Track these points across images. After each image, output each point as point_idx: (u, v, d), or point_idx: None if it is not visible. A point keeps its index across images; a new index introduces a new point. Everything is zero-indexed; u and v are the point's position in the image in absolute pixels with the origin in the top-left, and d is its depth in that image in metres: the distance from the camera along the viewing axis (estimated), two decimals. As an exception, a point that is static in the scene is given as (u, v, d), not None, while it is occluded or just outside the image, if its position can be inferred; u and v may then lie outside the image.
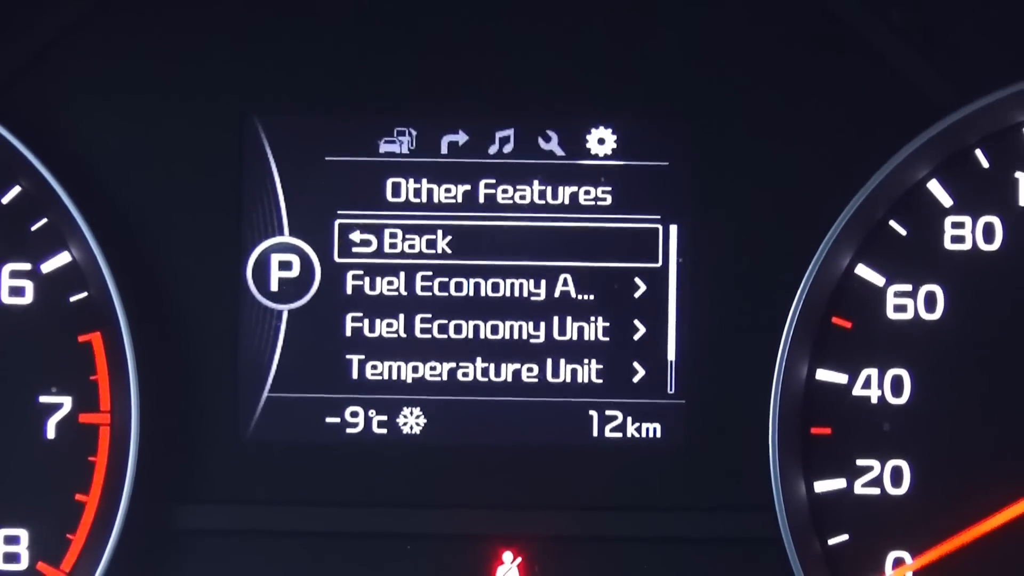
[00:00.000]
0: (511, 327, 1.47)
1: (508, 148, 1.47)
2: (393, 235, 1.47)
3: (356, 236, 1.47)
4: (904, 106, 1.44)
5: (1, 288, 1.45)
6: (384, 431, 1.47)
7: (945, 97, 1.43)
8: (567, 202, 1.47)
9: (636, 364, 1.46)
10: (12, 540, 1.44)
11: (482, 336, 1.47)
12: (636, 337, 1.46)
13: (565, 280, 1.47)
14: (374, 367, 1.47)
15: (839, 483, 1.43)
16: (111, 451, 1.44)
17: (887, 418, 1.43)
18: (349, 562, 1.46)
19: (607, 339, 1.46)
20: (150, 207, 1.46)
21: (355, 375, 1.47)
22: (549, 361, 1.47)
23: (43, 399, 1.44)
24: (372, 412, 1.47)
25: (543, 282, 1.47)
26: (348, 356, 1.47)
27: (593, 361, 1.46)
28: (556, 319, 1.47)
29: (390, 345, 1.47)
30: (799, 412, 1.43)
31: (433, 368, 1.47)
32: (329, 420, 1.47)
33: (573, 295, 1.47)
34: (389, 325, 1.47)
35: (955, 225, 1.44)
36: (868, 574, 1.43)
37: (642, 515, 1.46)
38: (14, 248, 1.45)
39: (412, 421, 1.47)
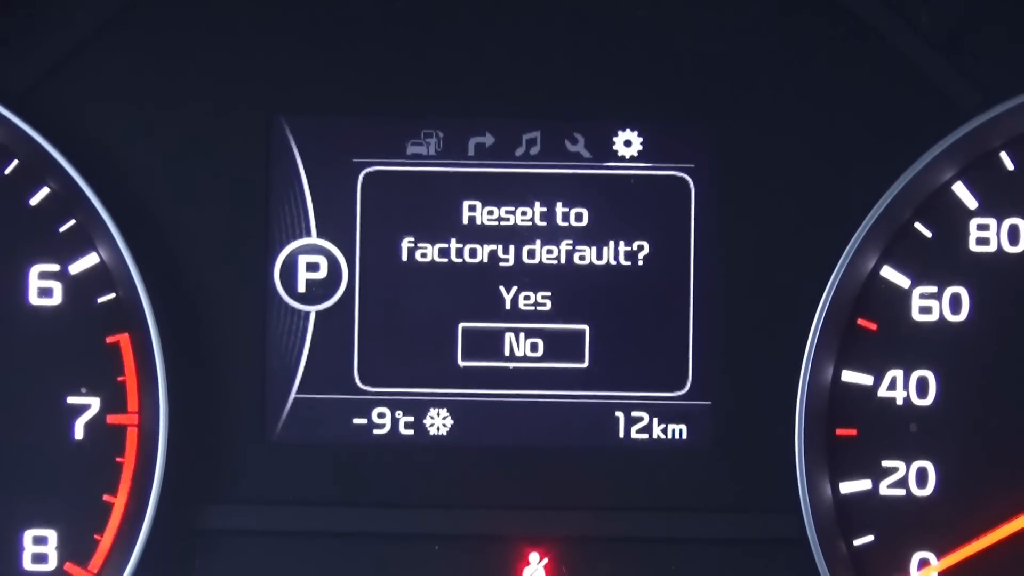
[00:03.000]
0: (537, 329, 1.47)
1: (535, 150, 1.48)
2: (421, 236, 1.47)
3: (383, 237, 1.47)
4: (929, 109, 1.44)
5: (29, 289, 1.45)
6: (411, 432, 1.47)
7: (970, 100, 1.44)
8: (592, 203, 1.47)
9: (662, 366, 1.47)
10: (40, 540, 1.45)
11: (509, 337, 1.47)
12: (662, 339, 1.47)
13: (590, 284, 1.47)
14: (401, 368, 1.47)
15: (864, 484, 1.44)
16: (139, 452, 1.44)
17: (912, 419, 1.44)
18: (376, 563, 1.46)
19: (632, 341, 1.47)
20: (178, 208, 1.47)
21: (382, 376, 1.47)
22: (575, 363, 1.47)
23: (71, 400, 1.45)
24: (399, 413, 1.47)
25: (568, 284, 1.47)
26: (375, 357, 1.47)
27: (619, 363, 1.47)
28: (581, 321, 1.47)
29: (417, 346, 1.47)
30: (824, 413, 1.44)
31: (459, 370, 1.47)
32: (356, 421, 1.47)
33: (598, 298, 1.47)
34: (416, 327, 1.47)
35: (980, 227, 1.44)
36: (893, 575, 1.43)
37: (668, 516, 1.46)
38: (42, 249, 1.45)
39: (439, 422, 1.47)
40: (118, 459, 1.44)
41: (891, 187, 1.43)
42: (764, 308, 1.46)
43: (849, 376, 1.44)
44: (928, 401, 1.44)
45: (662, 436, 1.47)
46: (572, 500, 1.46)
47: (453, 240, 1.47)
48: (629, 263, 1.47)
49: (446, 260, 1.47)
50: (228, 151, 1.47)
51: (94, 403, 1.44)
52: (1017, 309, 1.43)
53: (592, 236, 1.47)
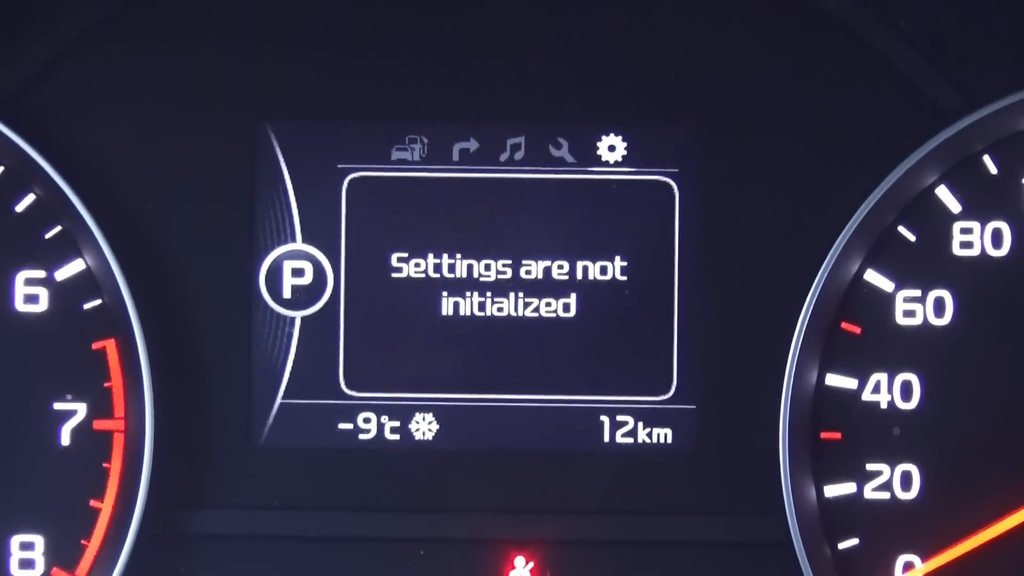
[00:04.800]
0: (521, 334, 1.47)
1: (519, 155, 1.48)
2: (405, 241, 1.47)
3: (368, 242, 1.47)
4: (913, 112, 1.44)
5: (15, 295, 1.45)
6: (396, 437, 1.48)
7: (953, 103, 1.44)
8: (576, 210, 1.47)
9: (647, 370, 1.47)
10: (27, 546, 1.45)
11: (493, 343, 1.47)
12: (646, 343, 1.47)
13: (575, 291, 1.47)
14: (386, 373, 1.47)
15: (849, 487, 1.44)
16: (125, 457, 1.44)
17: (897, 423, 1.44)
18: (362, 567, 1.47)
19: (617, 346, 1.47)
20: (163, 214, 1.47)
21: (368, 381, 1.47)
22: (560, 368, 1.47)
23: (57, 406, 1.45)
24: (384, 418, 1.48)
25: (552, 292, 1.47)
26: (361, 362, 1.47)
27: (604, 367, 1.47)
28: (566, 328, 1.47)
29: (402, 351, 1.47)
30: (809, 417, 1.44)
31: (445, 374, 1.47)
32: (342, 426, 1.47)
33: (582, 305, 1.47)
34: (401, 331, 1.47)
35: (964, 231, 1.44)
36: (878, 578, 1.44)
37: (653, 520, 1.46)
38: (28, 256, 1.46)
39: (424, 427, 1.48)
40: (104, 464, 1.45)
41: (875, 191, 1.43)
42: (748, 312, 1.46)
43: (833, 380, 1.44)
44: (912, 404, 1.44)
45: (647, 440, 1.47)
46: (558, 504, 1.47)
47: (438, 244, 1.48)
48: (614, 268, 1.47)
49: (431, 265, 1.47)
50: (213, 157, 1.47)
51: (80, 409, 1.45)
52: (1000, 313, 1.43)
53: (576, 241, 1.47)
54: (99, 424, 1.45)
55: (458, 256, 1.48)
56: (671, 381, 1.47)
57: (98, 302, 1.46)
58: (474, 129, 1.48)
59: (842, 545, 1.44)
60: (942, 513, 1.43)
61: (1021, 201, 1.44)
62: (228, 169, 1.47)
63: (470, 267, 1.48)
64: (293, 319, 1.48)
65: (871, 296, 1.45)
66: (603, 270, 1.47)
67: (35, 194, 1.46)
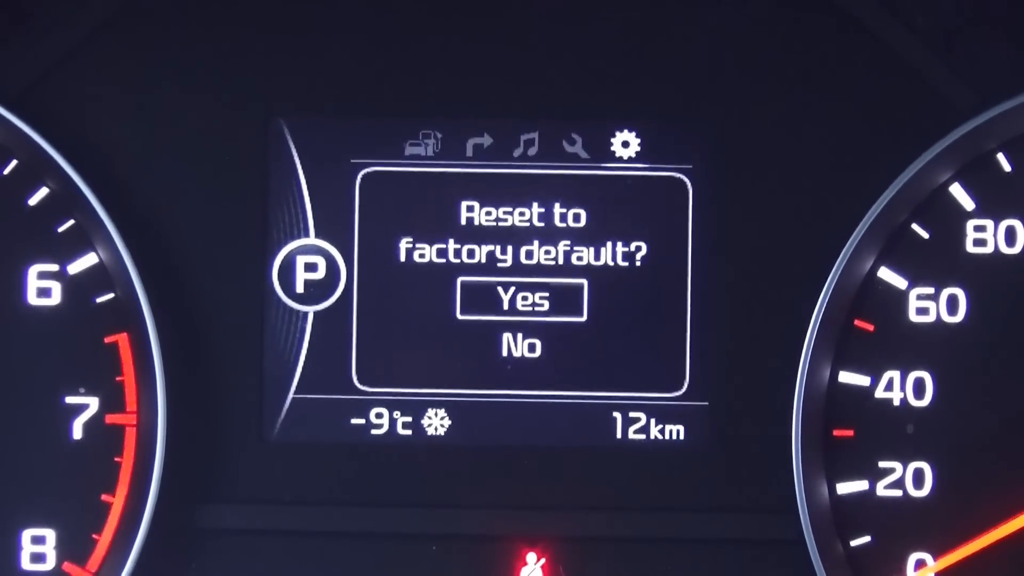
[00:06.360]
0: (535, 328, 1.48)
1: (532, 151, 1.48)
2: (418, 237, 1.47)
3: (381, 238, 1.47)
4: (926, 110, 1.45)
5: (28, 289, 1.45)
6: (409, 432, 1.48)
7: (967, 101, 1.44)
8: (590, 204, 1.47)
9: (660, 366, 1.47)
10: (39, 540, 1.45)
11: (507, 337, 1.47)
12: (659, 339, 1.47)
13: (588, 283, 1.47)
14: (399, 368, 1.47)
15: (861, 485, 1.44)
16: (137, 451, 1.44)
17: (909, 420, 1.44)
18: (373, 562, 1.47)
19: (630, 342, 1.47)
20: (176, 208, 1.47)
21: (380, 376, 1.47)
22: (572, 363, 1.47)
23: (69, 400, 1.45)
24: (397, 413, 1.48)
25: (565, 285, 1.48)
26: (373, 357, 1.47)
27: (616, 363, 1.47)
28: (579, 321, 1.47)
29: (414, 346, 1.47)
30: (822, 414, 1.44)
31: (457, 370, 1.47)
32: (354, 421, 1.47)
33: (596, 298, 1.47)
34: (414, 326, 1.47)
35: (977, 228, 1.44)
36: (890, 575, 1.43)
37: (665, 516, 1.46)
38: (41, 249, 1.46)
39: (436, 422, 1.48)
40: (116, 459, 1.44)
41: (888, 188, 1.43)
42: (762, 309, 1.46)
43: (846, 377, 1.44)
44: (925, 402, 1.44)
45: (659, 436, 1.47)
46: (569, 500, 1.47)
47: (451, 241, 1.48)
48: (627, 264, 1.47)
49: (444, 260, 1.48)
50: (227, 151, 1.47)
51: (92, 403, 1.45)
52: (1014, 310, 1.43)
53: (590, 237, 1.47)
54: (111, 418, 1.45)
55: (471, 251, 1.47)
56: (684, 378, 1.47)
57: (110, 296, 1.46)
58: (488, 124, 1.48)
59: (854, 542, 1.44)
60: (954, 511, 1.43)
61: (1034, 199, 1.44)
62: (241, 164, 1.47)
63: (482, 263, 1.48)
64: (306, 314, 1.48)
65: (884, 293, 1.45)
66: (616, 266, 1.47)
67: (48, 187, 1.46)
